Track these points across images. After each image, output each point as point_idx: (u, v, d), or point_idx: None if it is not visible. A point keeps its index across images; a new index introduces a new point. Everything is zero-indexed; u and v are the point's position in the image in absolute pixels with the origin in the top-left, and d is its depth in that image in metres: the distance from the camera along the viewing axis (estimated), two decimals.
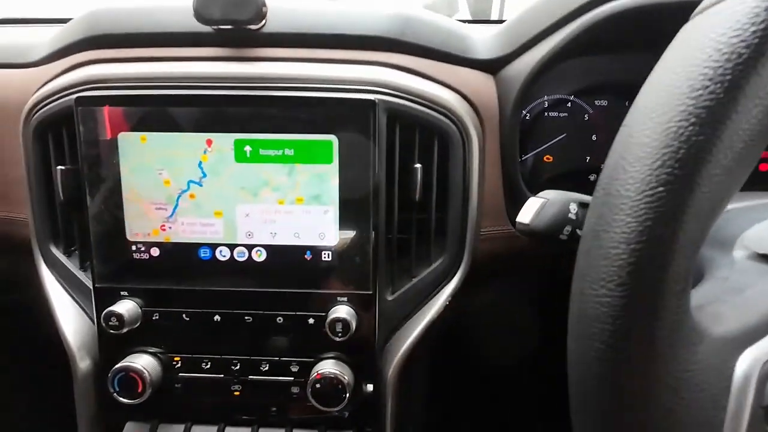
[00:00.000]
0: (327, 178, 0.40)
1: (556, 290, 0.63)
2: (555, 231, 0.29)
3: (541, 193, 0.30)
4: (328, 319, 0.41)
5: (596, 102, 0.52)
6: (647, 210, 0.16)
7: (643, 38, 0.46)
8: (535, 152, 0.53)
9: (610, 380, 0.17)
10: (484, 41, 0.46)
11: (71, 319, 0.45)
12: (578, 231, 0.29)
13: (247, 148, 0.40)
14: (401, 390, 0.45)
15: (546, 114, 0.52)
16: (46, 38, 0.48)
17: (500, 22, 0.51)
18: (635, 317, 0.17)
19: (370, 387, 0.44)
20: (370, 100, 0.39)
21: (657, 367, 0.17)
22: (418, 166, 0.42)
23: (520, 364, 0.75)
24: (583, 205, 0.29)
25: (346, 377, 0.42)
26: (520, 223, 0.29)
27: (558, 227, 0.28)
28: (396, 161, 0.42)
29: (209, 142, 0.40)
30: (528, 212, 0.29)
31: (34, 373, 0.69)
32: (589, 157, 0.53)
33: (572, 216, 0.29)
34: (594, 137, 0.53)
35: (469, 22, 0.65)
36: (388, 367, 0.44)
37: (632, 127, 0.18)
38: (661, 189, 0.16)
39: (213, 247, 0.42)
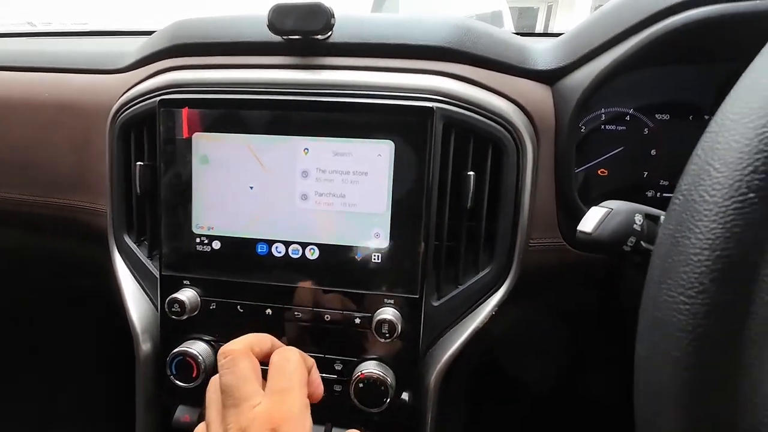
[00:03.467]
0: (382, 181, 0.41)
1: (605, 308, 0.61)
2: (618, 242, 0.28)
3: (604, 203, 0.29)
4: (375, 320, 0.42)
5: (657, 116, 0.51)
6: (735, 216, 0.16)
7: (709, 51, 0.44)
8: (590, 165, 0.51)
9: (688, 390, 0.17)
10: (542, 52, 0.46)
11: (137, 304, 0.49)
12: (643, 243, 0.28)
13: (308, 150, 0.42)
14: (442, 398, 0.45)
15: (603, 127, 0.51)
16: (134, 47, 0.53)
17: (556, 35, 0.51)
18: (717, 326, 0.16)
19: (407, 395, 0.44)
20: (428, 107, 0.40)
21: (739, 381, 0.16)
22: (471, 173, 0.43)
23: (559, 384, 0.72)
24: (649, 217, 0.29)
25: (389, 379, 0.42)
26: (581, 232, 0.29)
27: (622, 238, 0.28)
28: (449, 168, 0.43)
29: (274, 144, 0.42)
30: (591, 221, 0.28)
31: (101, 356, 0.74)
32: (647, 173, 0.51)
33: (637, 227, 0.28)
34: (653, 152, 0.51)
35: (522, 34, 0.65)
36: (430, 374, 0.44)
37: (719, 133, 0.17)
38: (752, 195, 0.15)
39: (269, 243, 0.44)
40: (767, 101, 0.16)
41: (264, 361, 0.33)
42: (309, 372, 0.34)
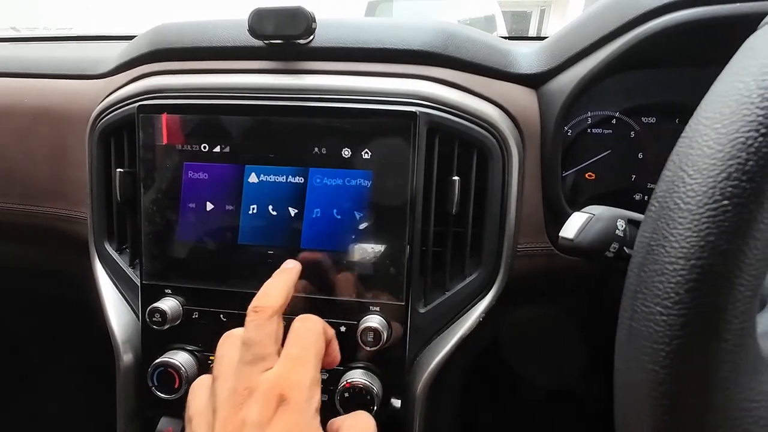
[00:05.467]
0: (365, 187, 0.41)
1: (596, 313, 0.60)
2: (600, 248, 0.27)
3: (586, 208, 0.29)
4: (360, 328, 0.41)
5: (643, 119, 0.50)
6: (710, 224, 0.15)
7: (695, 53, 0.44)
8: (576, 169, 0.51)
9: (664, 405, 0.16)
10: (526, 56, 0.46)
11: (118, 314, 0.48)
12: (626, 249, 0.28)
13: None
14: (430, 406, 0.44)
15: (589, 130, 0.51)
16: (114, 52, 0.52)
17: (542, 38, 0.51)
18: (693, 338, 0.15)
19: (397, 402, 0.43)
20: (411, 112, 0.40)
21: (716, 394, 0.15)
22: (455, 178, 0.42)
23: (554, 389, 0.71)
24: (631, 222, 0.28)
25: (375, 388, 0.41)
26: (563, 239, 0.28)
27: (604, 244, 0.27)
28: (434, 173, 0.42)
29: (255, 150, 0.42)
30: (572, 227, 0.28)
31: (81, 365, 0.73)
32: (634, 176, 0.51)
33: (619, 233, 0.28)
34: (640, 155, 0.51)
35: (510, 38, 0.65)
36: (417, 382, 0.43)
37: (693, 138, 0.17)
38: (726, 202, 0.15)
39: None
40: (739, 107, 0.15)
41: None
42: (329, 342, 0.33)
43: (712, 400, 0.15)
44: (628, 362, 0.18)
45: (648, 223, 0.18)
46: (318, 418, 0.28)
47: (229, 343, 0.31)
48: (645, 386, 0.17)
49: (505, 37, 0.62)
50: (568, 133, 0.50)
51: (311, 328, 0.31)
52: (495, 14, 3.98)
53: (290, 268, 0.36)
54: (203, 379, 0.32)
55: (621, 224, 0.28)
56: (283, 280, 0.34)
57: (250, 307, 0.31)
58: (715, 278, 0.15)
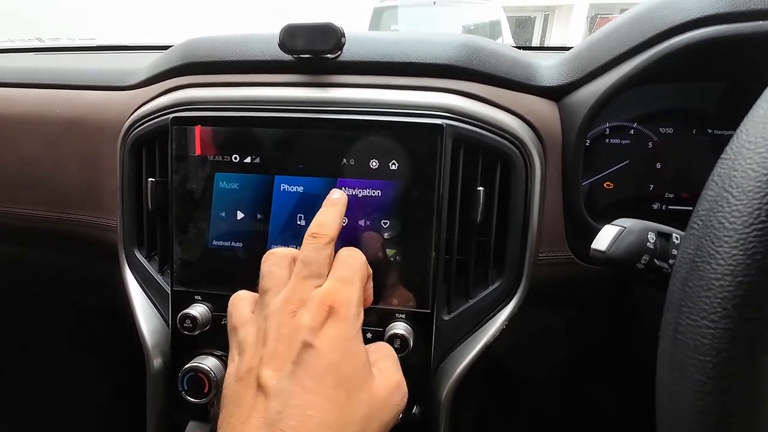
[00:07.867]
0: (392, 197, 0.42)
1: (615, 319, 0.61)
2: (632, 260, 0.28)
3: (616, 221, 0.30)
4: (387, 335, 0.42)
5: (661, 129, 0.51)
6: (756, 243, 0.16)
7: (715, 67, 0.45)
8: (595, 178, 0.52)
9: (712, 413, 0.17)
10: (548, 68, 0.47)
11: (148, 319, 0.49)
12: (656, 261, 0.29)
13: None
14: (454, 412, 0.45)
15: (607, 140, 0.52)
16: (144, 64, 0.54)
17: (564, 48, 0.52)
18: (741, 350, 0.16)
19: (418, 410, 0.44)
20: (438, 124, 0.41)
21: (765, 404, 0.16)
22: (480, 189, 0.43)
23: (572, 393, 0.72)
24: (661, 235, 0.29)
25: None
26: (595, 251, 0.29)
27: (635, 256, 0.28)
28: (459, 183, 0.43)
29: (284, 158, 0.43)
30: (604, 240, 0.29)
31: (109, 369, 0.74)
32: (652, 185, 0.52)
33: (650, 245, 0.29)
34: (658, 165, 0.52)
35: (528, 48, 0.66)
36: (442, 388, 0.44)
37: (736, 161, 0.18)
38: None
39: None
40: None
41: None
42: (368, 278, 0.35)
43: (759, 410, 0.16)
44: (672, 372, 0.19)
45: (691, 240, 0.19)
46: (361, 335, 0.30)
47: (275, 261, 0.33)
48: (692, 395, 0.17)
49: (525, 47, 0.63)
50: (587, 143, 0.51)
51: (357, 257, 0.34)
52: (500, 20, 4.01)
53: (338, 199, 0.38)
54: (243, 294, 0.34)
55: (651, 237, 0.28)
56: (335, 211, 0.36)
57: (308, 233, 0.33)
58: (763, 294, 0.16)
